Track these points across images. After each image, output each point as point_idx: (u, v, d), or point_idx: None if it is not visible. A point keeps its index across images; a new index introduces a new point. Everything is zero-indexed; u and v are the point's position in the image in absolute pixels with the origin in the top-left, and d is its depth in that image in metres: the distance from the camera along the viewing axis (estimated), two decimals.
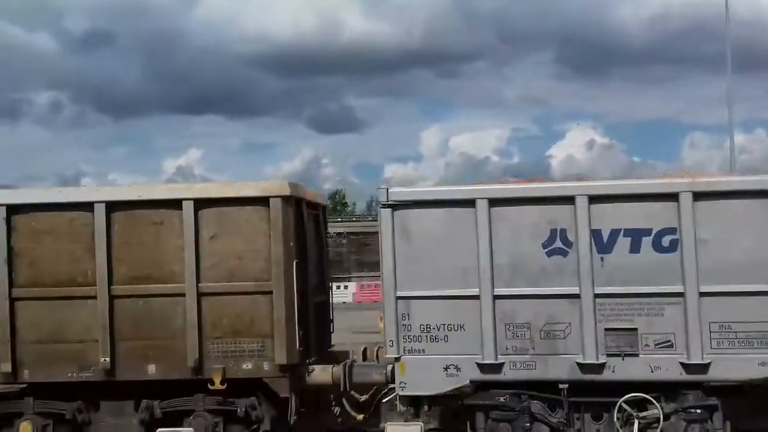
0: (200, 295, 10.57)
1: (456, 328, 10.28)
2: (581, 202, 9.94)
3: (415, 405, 10.51)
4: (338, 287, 32.00)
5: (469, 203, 10.27)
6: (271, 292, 10.53)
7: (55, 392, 10.83)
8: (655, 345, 9.87)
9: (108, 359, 10.54)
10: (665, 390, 9.89)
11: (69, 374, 10.67)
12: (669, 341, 9.87)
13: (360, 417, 11.79)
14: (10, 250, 10.67)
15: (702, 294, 9.71)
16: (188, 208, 10.60)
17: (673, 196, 9.84)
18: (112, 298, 10.61)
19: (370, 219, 45.44)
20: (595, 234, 9.96)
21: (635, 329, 9.87)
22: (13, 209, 10.70)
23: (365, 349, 12.09)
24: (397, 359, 10.33)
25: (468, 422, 10.49)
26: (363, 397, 11.74)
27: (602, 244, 9.97)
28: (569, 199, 9.99)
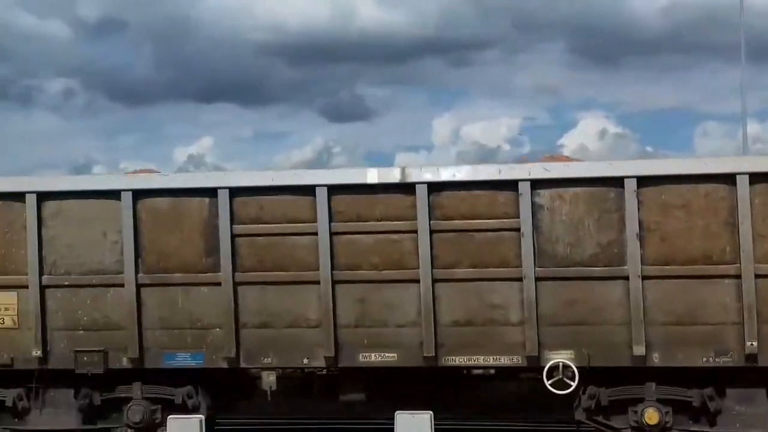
0: None
1: None
2: None
3: None
4: None
5: None
6: None
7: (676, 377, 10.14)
8: None
9: (755, 343, 9.71)
10: None
11: (703, 359, 9.91)
12: None
13: None
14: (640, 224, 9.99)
15: None
16: None
17: None
18: (756, 276, 9.78)
19: None
20: None
21: None
22: (642, 181, 10.01)
23: None
24: None
25: None
26: None
27: None
28: None
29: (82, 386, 11.04)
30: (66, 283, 10.86)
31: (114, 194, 10.79)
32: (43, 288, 10.85)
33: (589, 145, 45.42)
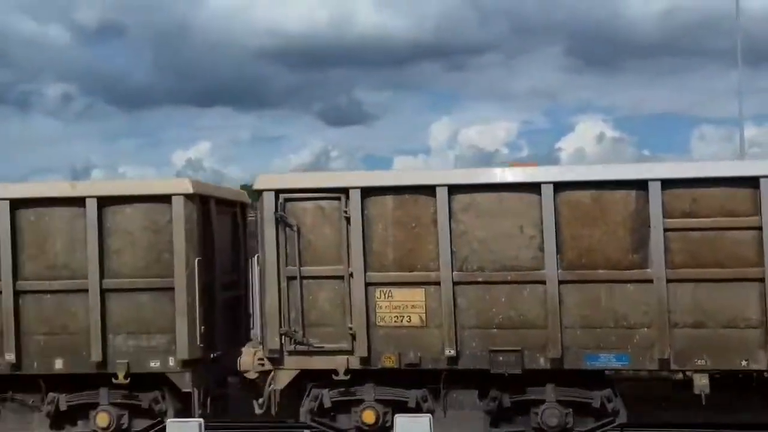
0: None
1: None
2: None
3: None
4: None
5: None
6: None
7: None
8: None
9: None
10: None
11: None
12: None
13: None
14: None
15: None
16: None
17: None
18: None
19: None
20: None
21: None
22: None
23: None
24: None
25: None
26: None
27: None
28: None
29: (490, 387, 10.58)
30: (479, 279, 10.42)
31: (532, 187, 10.34)
32: (454, 284, 10.44)
33: (587, 148, 44.90)
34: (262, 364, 12.24)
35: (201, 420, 10.73)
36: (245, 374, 12.23)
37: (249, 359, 12.28)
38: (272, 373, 11.40)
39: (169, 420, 10.83)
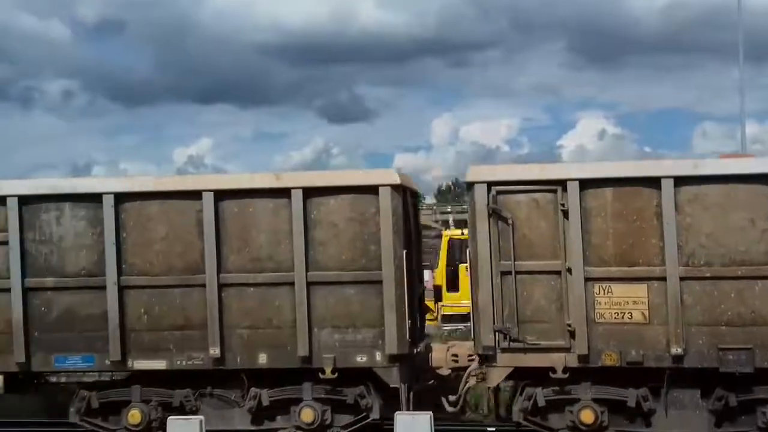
0: None
1: None
2: None
3: None
4: None
5: None
6: None
7: None
8: None
9: None
10: None
11: None
12: None
13: None
14: None
15: None
16: None
17: None
18: None
19: None
20: None
21: None
22: None
23: None
24: None
25: None
26: None
27: None
28: None
29: (714, 386, 10.20)
30: (707, 274, 10.03)
31: (764, 179, 9.94)
32: (679, 280, 10.05)
33: (588, 145, 44.44)
34: (456, 361, 11.99)
35: (201, 417, 10.56)
36: (438, 371, 12.01)
37: (442, 355, 12.05)
38: (468, 370, 11.16)
39: (169, 418, 10.67)
